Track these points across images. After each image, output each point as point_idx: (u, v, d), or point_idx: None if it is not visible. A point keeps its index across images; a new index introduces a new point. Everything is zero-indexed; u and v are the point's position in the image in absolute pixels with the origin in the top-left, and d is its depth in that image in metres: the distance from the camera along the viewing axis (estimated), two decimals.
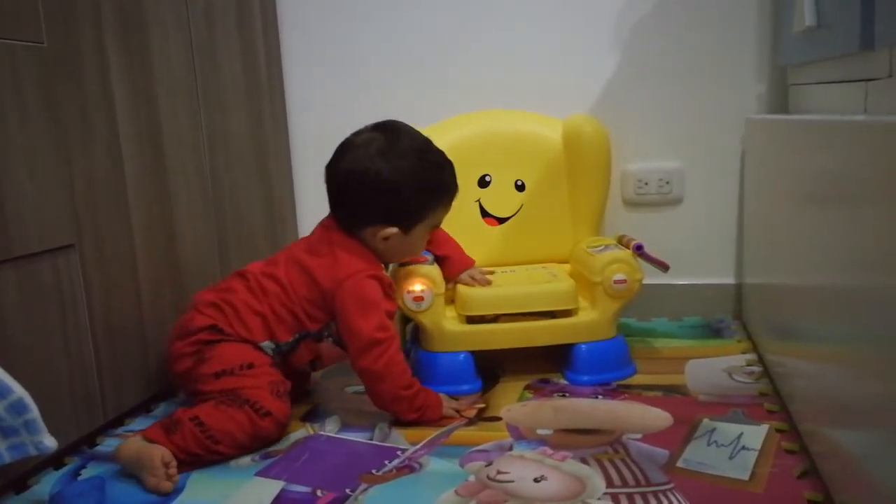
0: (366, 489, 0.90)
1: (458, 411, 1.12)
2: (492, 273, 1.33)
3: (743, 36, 1.46)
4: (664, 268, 1.31)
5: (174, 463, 0.94)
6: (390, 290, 1.13)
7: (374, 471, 0.95)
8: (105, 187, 1.08)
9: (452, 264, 1.31)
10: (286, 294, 1.10)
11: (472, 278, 1.29)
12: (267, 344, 1.09)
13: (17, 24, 0.93)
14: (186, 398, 1.15)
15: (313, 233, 1.18)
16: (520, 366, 1.30)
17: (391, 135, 1.11)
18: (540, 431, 1.04)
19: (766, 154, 1.23)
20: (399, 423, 1.09)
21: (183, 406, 1.06)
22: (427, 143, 1.14)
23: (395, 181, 1.08)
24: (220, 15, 1.38)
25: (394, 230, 1.11)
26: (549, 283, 1.28)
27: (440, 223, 1.19)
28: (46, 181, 0.97)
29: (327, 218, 1.17)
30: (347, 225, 1.13)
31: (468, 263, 1.32)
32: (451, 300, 1.34)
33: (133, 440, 0.98)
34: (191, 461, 0.98)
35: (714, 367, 1.26)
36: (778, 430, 1.00)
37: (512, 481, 0.90)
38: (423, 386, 1.11)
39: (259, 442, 1.02)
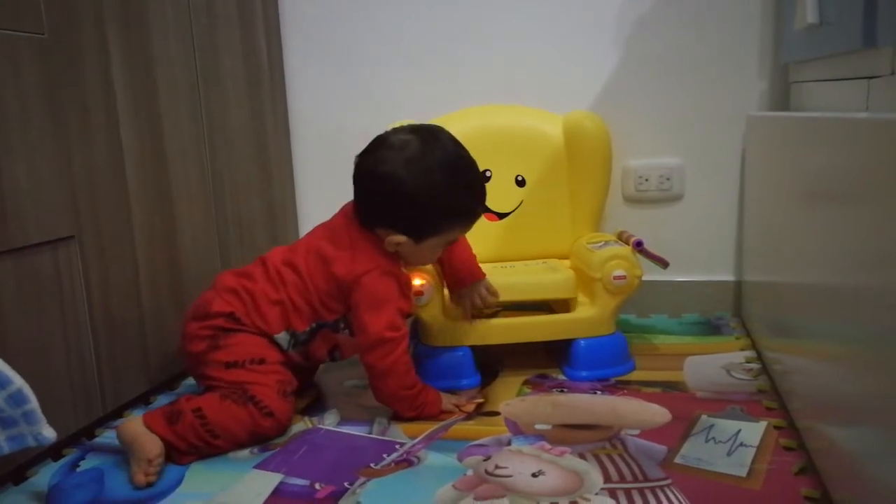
0: (364, 483, 0.91)
1: (457, 406, 1.12)
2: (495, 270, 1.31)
3: (745, 33, 1.46)
4: (664, 264, 1.31)
5: (160, 462, 0.95)
6: (407, 288, 1.12)
7: (372, 464, 0.95)
8: (105, 179, 1.08)
9: (458, 277, 1.24)
10: (304, 284, 1.09)
11: (473, 303, 1.23)
12: (282, 336, 1.09)
13: (18, 16, 0.93)
14: (194, 379, 1.16)
15: (335, 218, 1.15)
16: (519, 361, 1.30)
17: (426, 144, 1.05)
18: (538, 426, 1.04)
19: (767, 151, 1.23)
20: (398, 417, 1.09)
21: (186, 394, 1.06)
22: (460, 159, 1.08)
23: (414, 194, 1.04)
24: (221, 8, 1.37)
25: (403, 238, 1.07)
26: (549, 273, 1.28)
27: (457, 239, 1.15)
28: (46, 172, 0.97)
29: (350, 205, 1.14)
30: (363, 219, 1.10)
31: (476, 276, 1.24)
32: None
33: (135, 422, 0.98)
34: (189, 451, 0.98)
35: (713, 364, 1.26)
36: (776, 427, 1.00)
37: (510, 476, 0.90)
38: (423, 382, 1.11)
39: (258, 439, 1.03)
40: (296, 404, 1.13)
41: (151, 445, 0.95)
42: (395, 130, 1.09)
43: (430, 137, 1.07)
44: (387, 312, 1.07)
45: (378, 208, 1.08)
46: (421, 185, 1.04)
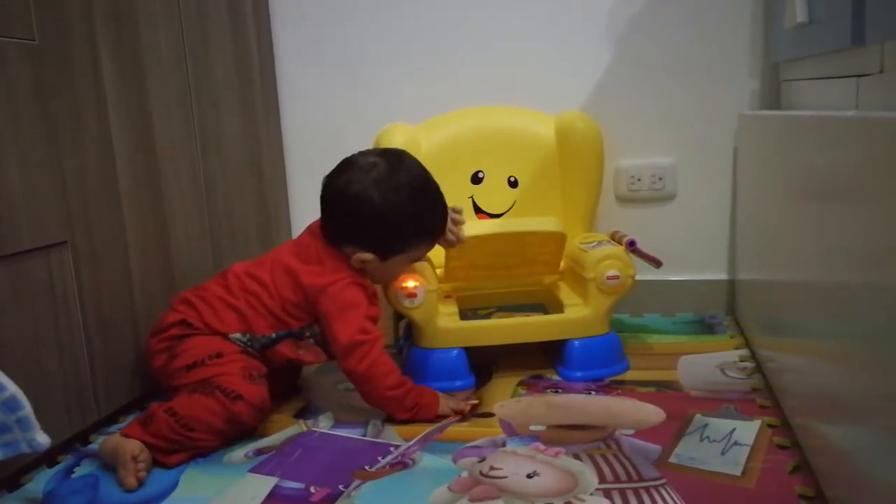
0: (359, 485, 0.91)
1: (453, 409, 1.12)
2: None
3: (736, 32, 1.46)
4: (657, 264, 1.31)
5: (144, 457, 0.95)
6: (374, 298, 1.14)
7: (367, 467, 0.95)
8: (97, 184, 1.08)
9: None
10: (268, 294, 1.11)
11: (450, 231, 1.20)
12: (237, 336, 1.10)
13: (9, 22, 0.92)
14: (166, 395, 1.15)
15: (301, 237, 1.19)
16: (513, 362, 1.30)
17: (392, 165, 1.11)
18: (533, 427, 1.05)
19: (759, 150, 1.24)
20: (392, 419, 1.09)
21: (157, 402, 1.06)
22: (425, 180, 1.14)
23: (383, 213, 1.09)
24: (211, 10, 1.37)
25: (370, 256, 1.12)
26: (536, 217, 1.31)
27: (422, 258, 1.21)
28: (38, 178, 0.97)
29: (316, 224, 1.18)
30: (331, 237, 1.14)
31: None
32: (445, 295, 1.35)
33: (113, 436, 1.00)
34: (171, 448, 0.98)
35: (706, 363, 1.26)
36: (770, 426, 1.00)
37: (505, 477, 0.90)
38: (418, 384, 1.11)
39: (236, 426, 1.02)
40: (287, 407, 1.14)
41: (133, 445, 0.96)
42: (362, 154, 1.15)
43: (396, 160, 1.13)
44: (355, 318, 1.08)
45: (347, 227, 1.12)
46: (390, 204, 1.09)
